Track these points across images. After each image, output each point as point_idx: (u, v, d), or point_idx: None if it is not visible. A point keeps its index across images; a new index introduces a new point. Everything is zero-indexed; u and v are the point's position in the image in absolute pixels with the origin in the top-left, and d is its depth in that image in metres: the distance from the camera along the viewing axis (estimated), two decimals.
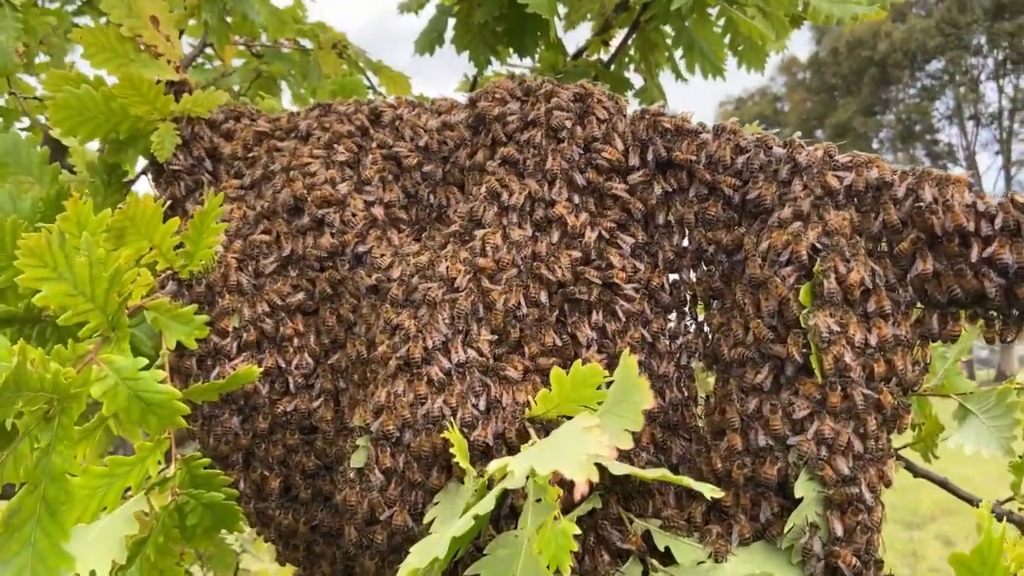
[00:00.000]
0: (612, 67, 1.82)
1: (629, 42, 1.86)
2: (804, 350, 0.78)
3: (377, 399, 0.87)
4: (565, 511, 0.78)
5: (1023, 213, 0.76)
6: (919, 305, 0.83)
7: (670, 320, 0.95)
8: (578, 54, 1.93)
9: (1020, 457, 1.28)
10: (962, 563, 0.62)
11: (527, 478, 0.70)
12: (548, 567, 0.65)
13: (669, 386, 0.92)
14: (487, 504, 0.68)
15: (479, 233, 0.92)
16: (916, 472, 1.33)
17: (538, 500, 0.69)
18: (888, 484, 0.79)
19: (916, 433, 1.33)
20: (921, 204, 0.80)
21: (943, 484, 1.31)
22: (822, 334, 0.77)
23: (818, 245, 0.81)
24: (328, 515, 0.99)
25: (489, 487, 0.77)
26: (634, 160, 0.95)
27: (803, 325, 0.78)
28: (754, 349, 0.83)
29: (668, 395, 0.91)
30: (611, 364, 0.90)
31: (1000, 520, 1.29)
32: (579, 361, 0.75)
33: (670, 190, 0.95)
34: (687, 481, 0.77)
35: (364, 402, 0.90)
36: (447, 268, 0.91)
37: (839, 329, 0.78)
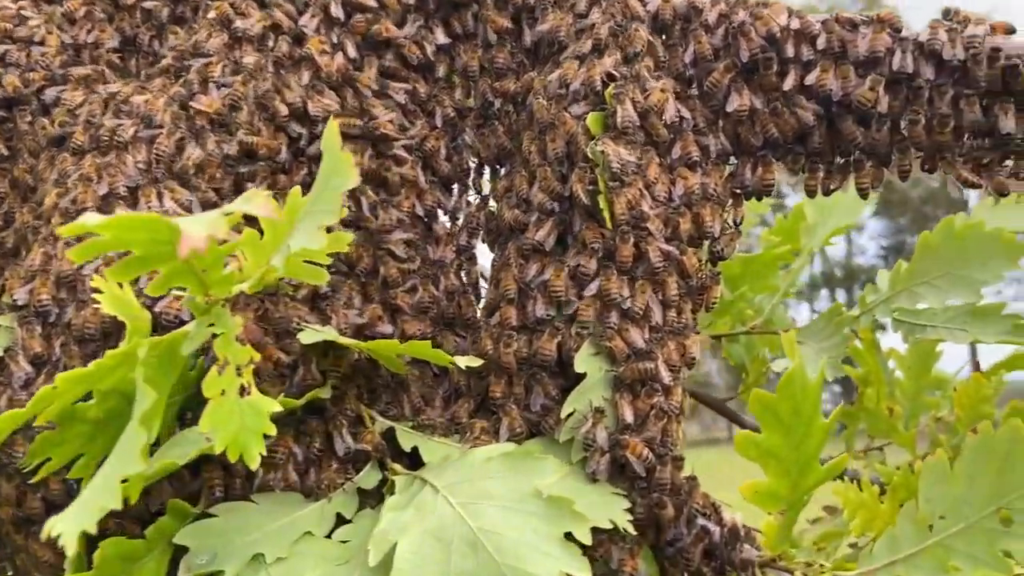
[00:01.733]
0: None
1: None
2: (591, 187, 0.62)
3: (30, 263, 0.64)
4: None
5: (849, 31, 0.64)
6: (732, 161, 0.69)
7: (451, 195, 0.77)
8: None
9: (851, 402, 1.18)
10: (766, 407, 0.46)
11: (213, 333, 0.48)
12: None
13: (445, 273, 0.73)
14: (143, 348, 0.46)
15: (197, 62, 0.71)
16: (744, 423, 1.21)
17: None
18: (691, 364, 0.63)
19: (743, 381, 1.21)
20: (734, 27, 0.66)
21: None
22: (612, 166, 0.61)
23: (615, 73, 0.66)
24: None
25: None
26: None
27: (591, 156, 0.62)
28: (537, 204, 0.66)
29: (443, 283, 0.73)
30: (367, 241, 0.71)
31: (843, 477, 1.19)
32: (296, 189, 0.55)
33: (454, 36, 0.78)
34: (414, 347, 0.58)
35: (13, 271, 0.66)
36: (146, 101, 0.69)
37: (635, 163, 0.62)
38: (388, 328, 0.68)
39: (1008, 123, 0.58)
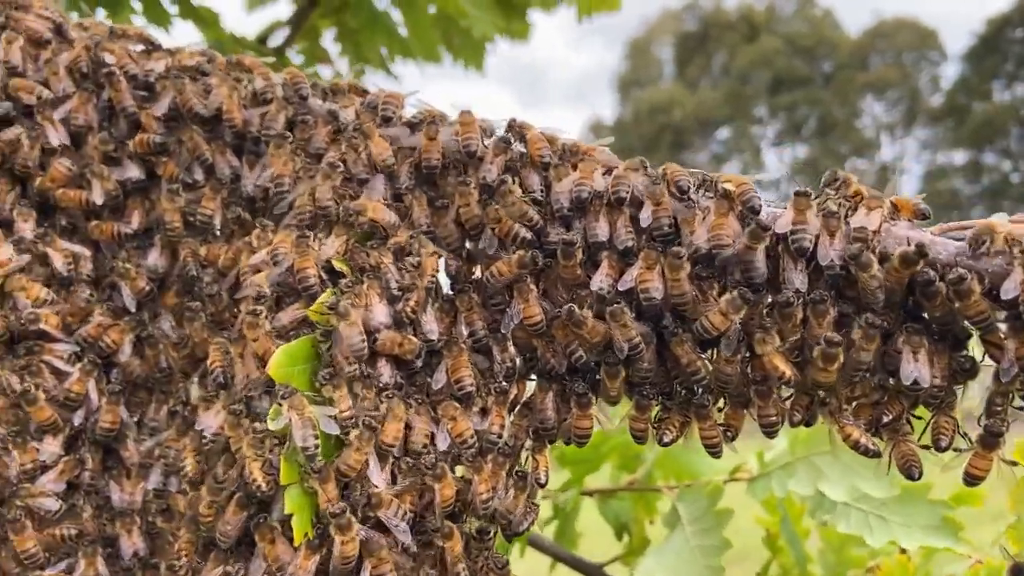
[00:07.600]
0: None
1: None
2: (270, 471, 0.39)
3: None
4: None
5: (683, 201, 0.42)
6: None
7: None
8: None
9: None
10: None
11: None
12: None
13: None
14: None
15: None
16: None
17: None
18: None
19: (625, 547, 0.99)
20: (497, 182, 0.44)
21: None
22: (303, 443, 0.38)
23: (342, 265, 0.43)
24: None
25: None
26: None
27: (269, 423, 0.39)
28: None
29: None
30: None
31: None
32: None
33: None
34: None
35: None
36: None
37: (368, 413, 0.39)
38: None
39: (916, 369, 0.37)
